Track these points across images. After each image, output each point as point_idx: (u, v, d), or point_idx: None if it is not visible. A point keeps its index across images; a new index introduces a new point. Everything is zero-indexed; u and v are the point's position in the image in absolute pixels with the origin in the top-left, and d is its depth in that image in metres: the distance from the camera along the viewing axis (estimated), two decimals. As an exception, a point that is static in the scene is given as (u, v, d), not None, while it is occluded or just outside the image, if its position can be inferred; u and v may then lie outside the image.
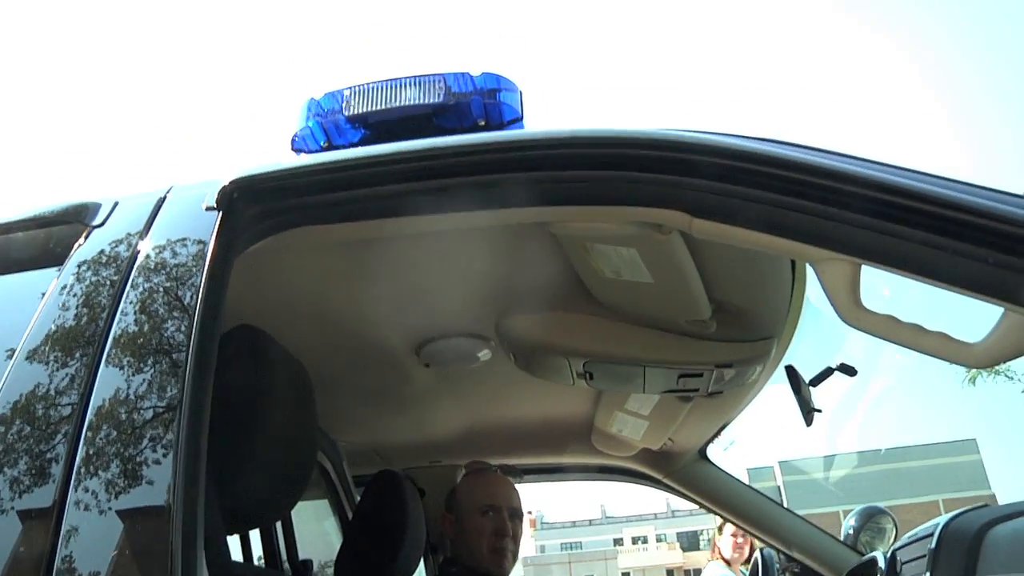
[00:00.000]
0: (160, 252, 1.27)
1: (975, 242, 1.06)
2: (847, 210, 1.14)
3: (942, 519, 1.88)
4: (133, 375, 1.11)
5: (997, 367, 8.50)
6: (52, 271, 1.34)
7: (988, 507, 1.79)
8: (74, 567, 0.97)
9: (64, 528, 0.99)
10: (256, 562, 2.47)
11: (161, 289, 1.21)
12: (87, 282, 1.26)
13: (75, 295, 1.25)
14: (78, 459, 1.04)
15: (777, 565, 3.04)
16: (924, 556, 1.83)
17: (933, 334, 1.21)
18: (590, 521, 63.09)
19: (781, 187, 1.17)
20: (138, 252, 1.28)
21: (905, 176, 1.12)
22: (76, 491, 1.02)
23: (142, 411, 1.07)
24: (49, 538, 0.98)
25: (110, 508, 1.01)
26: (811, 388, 2.23)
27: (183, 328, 1.15)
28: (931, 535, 1.85)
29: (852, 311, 1.24)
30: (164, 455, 1.03)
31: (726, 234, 1.26)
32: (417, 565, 2.48)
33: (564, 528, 60.99)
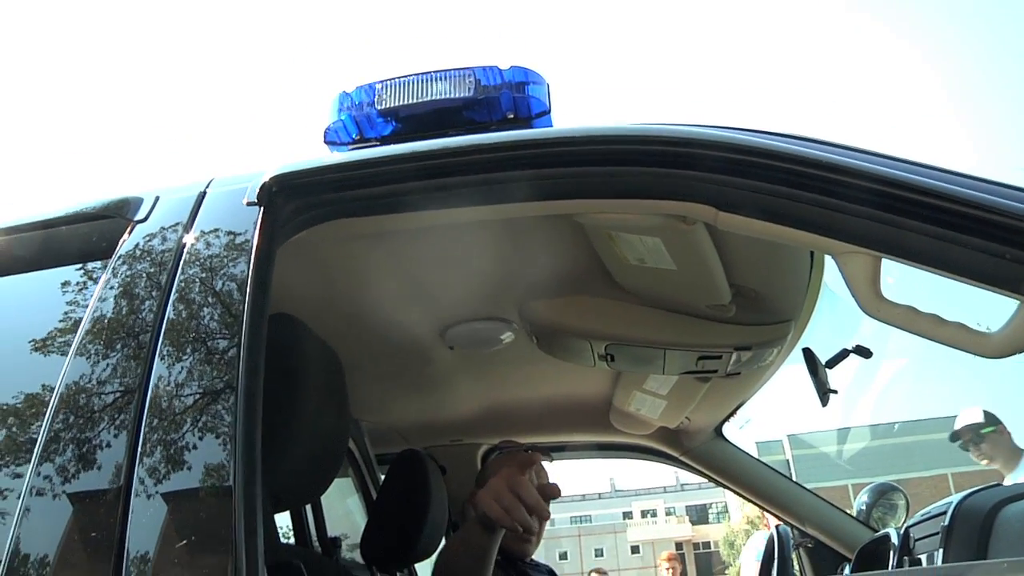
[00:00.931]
0: (206, 246, 1.31)
1: (993, 239, 1.10)
2: (868, 206, 1.18)
3: (955, 498, 1.93)
4: (188, 363, 1.16)
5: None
6: (98, 265, 1.39)
7: (1000, 486, 1.84)
8: (143, 549, 1.01)
9: (131, 512, 1.04)
10: (285, 540, 2.53)
11: (209, 281, 1.25)
12: (136, 275, 1.31)
13: (125, 288, 1.29)
14: (140, 446, 1.09)
15: (792, 541, 3.08)
16: (937, 533, 1.89)
17: (951, 325, 1.26)
18: (599, 495, 63.24)
19: (806, 184, 1.21)
20: (184, 245, 1.32)
21: (926, 174, 1.16)
22: (139, 477, 1.06)
23: (199, 398, 1.12)
24: (117, 522, 1.03)
25: (173, 492, 1.05)
26: (827, 370, 2.28)
27: (234, 318, 1.20)
28: (944, 513, 1.90)
29: (872, 302, 1.28)
30: (223, 440, 1.08)
31: (751, 227, 1.30)
32: (440, 541, 2.53)
33: (574, 501, 61.15)
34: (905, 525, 2.35)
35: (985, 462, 3.99)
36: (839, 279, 1.33)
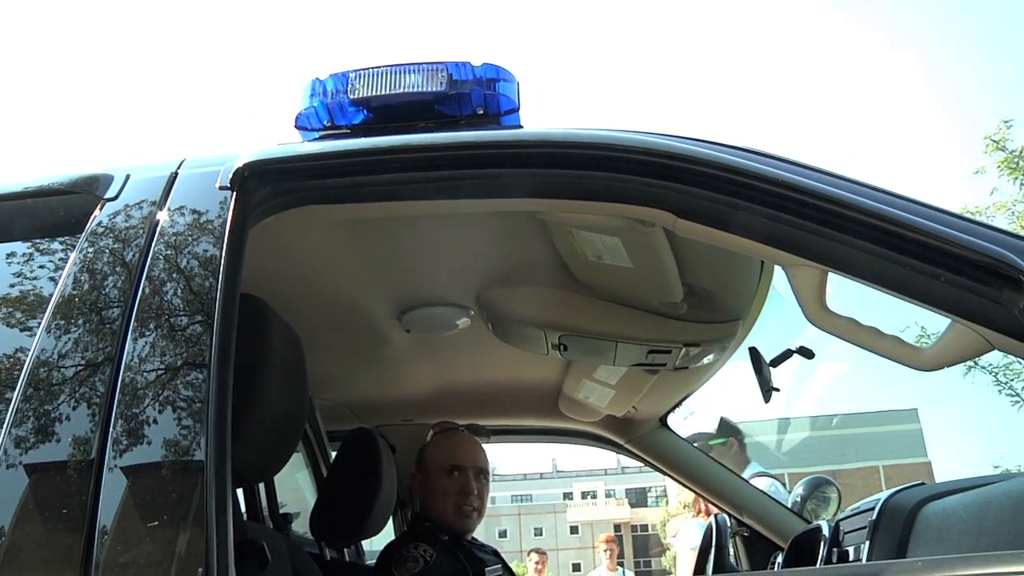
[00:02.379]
0: (178, 227, 1.34)
1: (930, 261, 1.18)
2: (817, 223, 1.26)
3: (883, 495, 2.02)
4: (160, 342, 1.19)
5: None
6: (66, 240, 1.40)
7: (925, 485, 1.93)
8: (115, 520, 1.05)
9: (102, 487, 1.07)
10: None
11: (182, 261, 1.28)
12: (108, 252, 1.32)
13: (96, 265, 1.31)
14: (113, 421, 1.12)
15: (729, 529, 3.18)
16: (865, 528, 1.98)
17: (888, 337, 1.34)
18: (541, 475, 63.65)
19: (762, 199, 1.28)
20: (156, 225, 1.34)
21: (872, 197, 1.24)
22: (111, 452, 1.09)
23: (171, 375, 1.15)
24: (89, 496, 1.06)
25: (144, 467, 1.09)
26: (771, 368, 2.36)
27: (206, 298, 1.23)
28: (872, 508, 1.99)
29: (817, 313, 1.37)
30: (194, 417, 1.11)
31: (707, 235, 1.37)
32: (387, 519, 2.58)
33: (515, 481, 61.52)
34: (836, 518, 2.45)
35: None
36: (787, 283, 1.41)
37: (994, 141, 9.93)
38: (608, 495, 59.86)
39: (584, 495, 60.28)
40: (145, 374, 1.16)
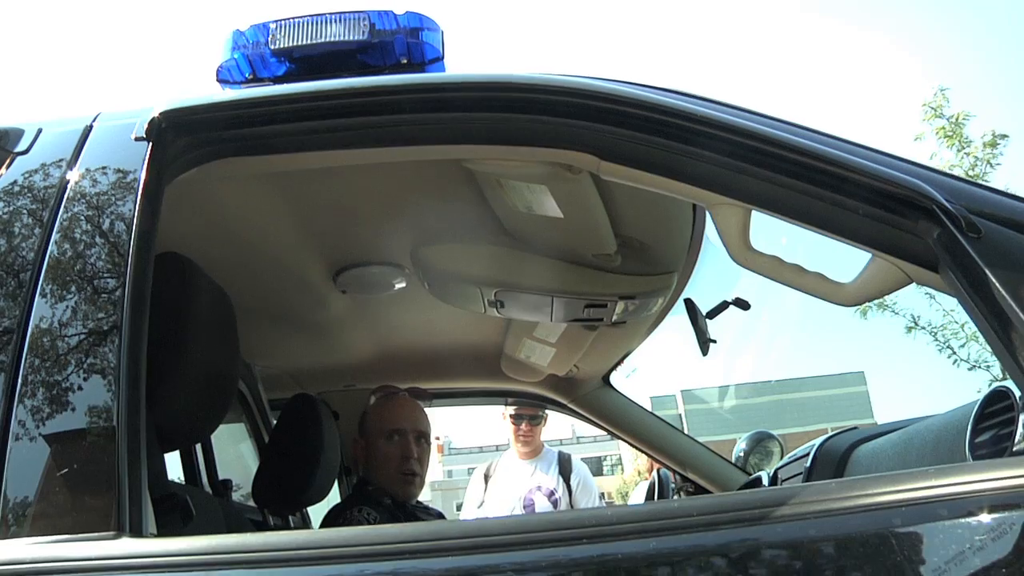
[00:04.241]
0: (91, 181, 1.29)
1: (848, 194, 1.19)
2: (740, 160, 1.25)
3: (818, 441, 2.07)
4: (71, 301, 1.15)
5: (884, 303, 8.98)
6: None
7: (857, 429, 1.97)
8: (21, 490, 1.01)
9: (9, 453, 1.03)
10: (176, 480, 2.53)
11: (94, 218, 1.23)
12: (16, 209, 1.27)
13: (4, 224, 1.25)
14: (19, 385, 1.07)
15: (673, 484, 3.22)
16: (800, 473, 2.02)
17: (811, 274, 1.36)
18: (497, 446, 63.79)
19: (682, 136, 1.27)
20: (68, 180, 1.29)
21: (792, 132, 1.24)
22: (19, 417, 1.05)
23: (81, 337, 1.11)
24: None
25: (54, 432, 1.05)
26: (708, 320, 2.38)
27: (119, 255, 1.18)
28: (807, 455, 2.03)
29: (741, 252, 1.37)
30: (106, 378, 1.07)
31: (631, 176, 1.36)
32: (331, 486, 2.56)
33: (472, 453, 61.64)
34: (774, 468, 2.49)
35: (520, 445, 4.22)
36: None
37: (932, 108, 10.08)
38: (564, 464, 60.29)
39: (540, 465, 60.66)
40: (54, 338, 1.12)
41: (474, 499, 4.27)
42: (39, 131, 1.43)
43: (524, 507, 4.03)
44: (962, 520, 0.87)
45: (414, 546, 0.92)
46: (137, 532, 0.98)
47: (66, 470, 1.04)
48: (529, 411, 4.03)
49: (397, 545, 0.93)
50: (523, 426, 4.10)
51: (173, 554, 0.96)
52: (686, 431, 3.90)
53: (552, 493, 4.11)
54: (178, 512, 1.29)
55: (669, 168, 1.32)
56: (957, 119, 9.94)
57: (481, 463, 4.42)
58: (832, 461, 1.86)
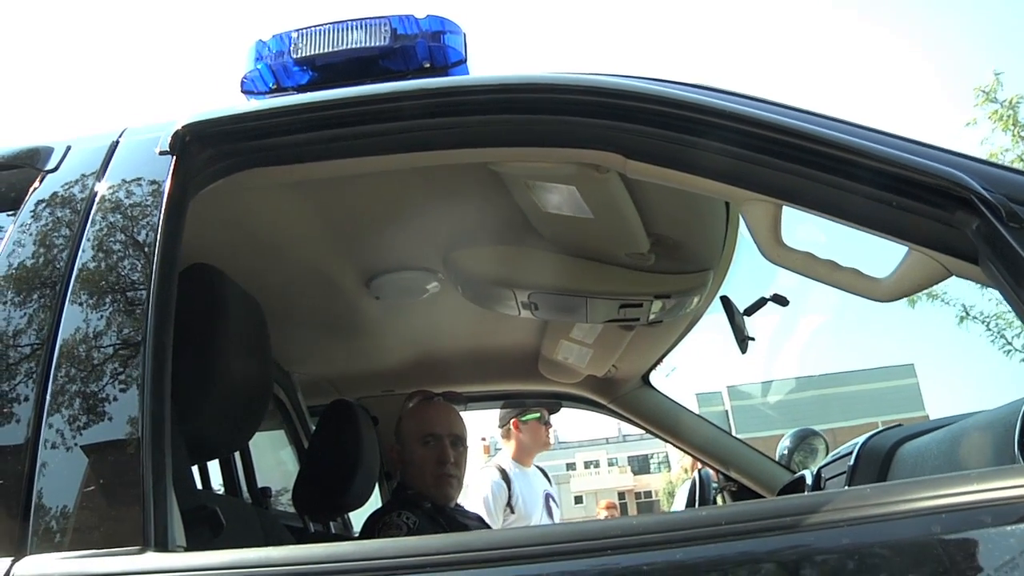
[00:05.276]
0: (117, 196, 1.30)
1: (880, 187, 1.15)
2: (769, 155, 1.22)
3: (861, 438, 2.01)
4: (97, 314, 1.16)
5: (934, 293, 8.80)
6: (8, 215, 1.37)
7: (902, 426, 1.92)
8: (50, 502, 1.02)
9: (38, 465, 1.04)
10: (216, 491, 2.55)
11: (120, 231, 1.24)
12: (46, 225, 1.29)
13: (35, 238, 1.27)
14: (48, 397, 1.08)
15: (715, 484, 3.17)
16: (844, 472, 1.97)
17: (846, 270, 1.32)
18: (543, 447, 63.79)
19: (709, 133, 1.24)
20: (95, 196, 1.30)
21: (819, 124, 1.21)
22: (47, 429, 1.06)
23: (107, 348, 1.12)
24: (24, 475, 1.03)
25: (82, 444, 1.05)
26: (745, 317, 2.34)
27: (144, 268, 1.19)
28: (851, 453, 1.98)
29: (773, 248, 1.34)
30: (131, 390, 1.08)
31: (658, 175, 1.34)
32: (371, 491, 2.57)
33: (517, 453, 61.60)
34: (818, 466, 2.44)
35: (512, 448, 4.12)
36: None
37: (984, 92, 9.85)
38: (611, 464, 60.13)
39: (587, 465, 60.55)
40: (83, 349, 1.13)
41: (501, 503, 4.20)
42: (68, 148, 1.45)
43: (548, 514, 4.02)
44: (1008, 527, 0.83)
45: (437, 559, 0.90)
46: (163, 546, 0.98)
47: (93, 483, 1.04)
48: (548, 413, 4.01)
49: (418, 558, 0.91)
50: (549, 430, 4.10)
51: (195, 568, 0.96)
52: (732, 427, 3.86)
53: (552, 497, 4.11)
54: (207, 523, 1.29)
55: (696, 165, 1.29)
56: (1011, 103, 9.72)
57: (489, 463, 4.32)
58: (876, 459, 1.81)
